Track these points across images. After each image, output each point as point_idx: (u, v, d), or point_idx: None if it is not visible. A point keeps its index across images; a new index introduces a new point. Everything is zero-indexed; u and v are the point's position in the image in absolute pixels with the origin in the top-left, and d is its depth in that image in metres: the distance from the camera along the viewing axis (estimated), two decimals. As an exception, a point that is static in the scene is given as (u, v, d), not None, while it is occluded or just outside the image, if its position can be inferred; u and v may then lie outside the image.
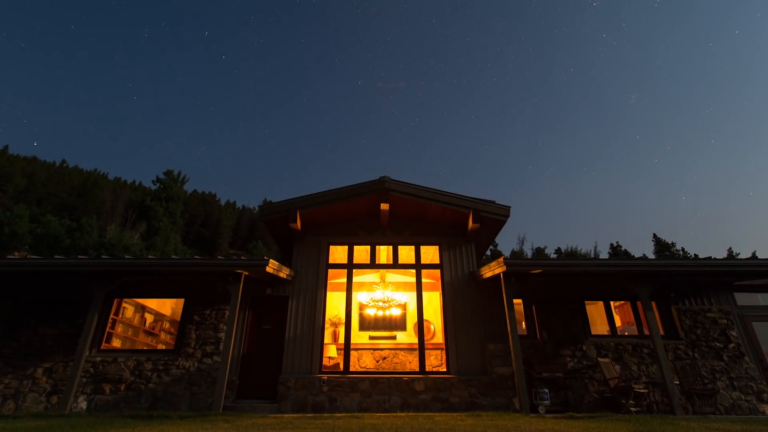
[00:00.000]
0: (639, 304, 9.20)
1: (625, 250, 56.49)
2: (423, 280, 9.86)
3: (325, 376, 8.24)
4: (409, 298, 11.47)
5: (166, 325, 11.31)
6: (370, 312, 11.44)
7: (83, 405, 7.87)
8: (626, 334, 9.36)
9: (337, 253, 10.24)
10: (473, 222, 9.51)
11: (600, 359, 8.44)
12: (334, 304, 10.68)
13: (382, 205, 9.56)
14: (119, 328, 9.76)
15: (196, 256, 12.36)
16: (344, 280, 9.83)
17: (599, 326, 9.45)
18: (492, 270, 8.20)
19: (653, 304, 9.36)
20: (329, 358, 9.31)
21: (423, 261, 10.06)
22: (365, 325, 11.24)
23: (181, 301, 9.19)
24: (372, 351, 10.59)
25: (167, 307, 11.38)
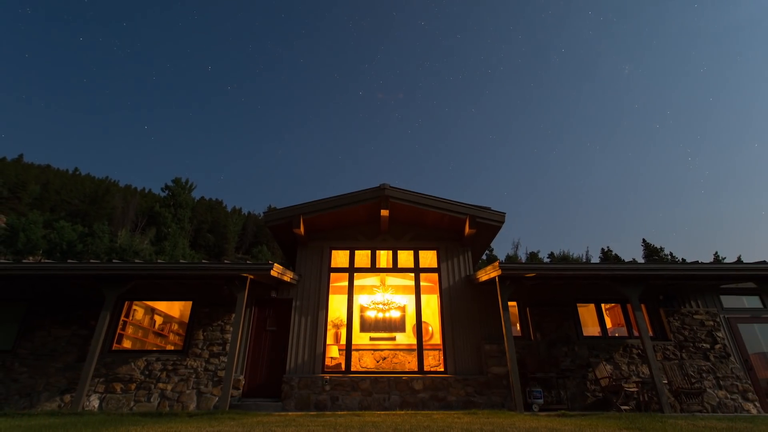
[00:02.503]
0: (629, 306, 9.39)
1: (616, 255, 56.47)
2: (421, 283, 10.11)
3: (327, 376, 8.48)
4: (408, 300, 11.70)
5: (175, 327, 11.58)
6: (371, 314, 11.69)
7: (95, 403, 8.12)
8: (617, 335, 9.57)
9: (339, 258, 10.55)
10: (470, 228, 9.79)
11: (592, 359, 8.69)
12: (336, 306, 10.93)
13: (382, 211, 9.85)
14: (130, 330, 10.01)
15: (203, 261, 12.73)
16: (346, 283, 10.12)
17: (591, 328, 9.66)
18: (488, 274, 8.45)
19: (642, 306, 9.58)
20: (331, 358, 9.59)
21: (421, 265, 10.33)
22: (366, 326, 11.49)
23: (189, 303, 9.49)
24: (372, 351, 10.84)
25: (176, 309, 11.65)
